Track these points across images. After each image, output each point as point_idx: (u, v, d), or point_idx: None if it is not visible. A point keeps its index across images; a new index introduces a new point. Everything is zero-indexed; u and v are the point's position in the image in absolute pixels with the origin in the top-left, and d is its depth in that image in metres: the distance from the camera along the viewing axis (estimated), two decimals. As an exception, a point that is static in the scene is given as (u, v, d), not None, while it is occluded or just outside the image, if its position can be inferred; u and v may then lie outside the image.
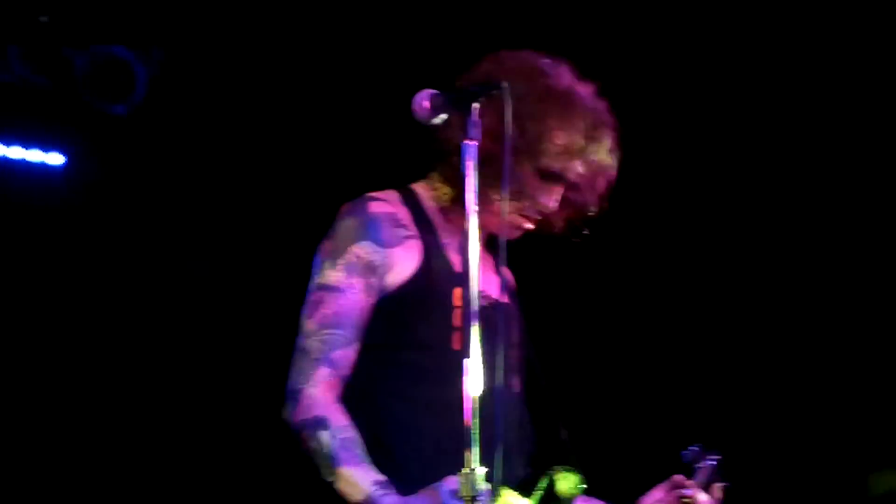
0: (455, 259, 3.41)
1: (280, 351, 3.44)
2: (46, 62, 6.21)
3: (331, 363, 3.25)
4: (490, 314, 3.29)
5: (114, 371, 6.73)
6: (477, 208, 2.94)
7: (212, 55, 6.34)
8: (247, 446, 6.60)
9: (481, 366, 2.86)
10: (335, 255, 3.34)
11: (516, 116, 3.11)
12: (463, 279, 2.92)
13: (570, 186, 3.45)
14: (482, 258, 3.16)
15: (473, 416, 2.82)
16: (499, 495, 2.94)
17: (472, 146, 2.96)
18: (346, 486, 3.14)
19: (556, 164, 3.39)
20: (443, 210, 3.48)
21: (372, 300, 3.32)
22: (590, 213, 3.53)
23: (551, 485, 3.29)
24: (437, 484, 3.09)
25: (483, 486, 2.81)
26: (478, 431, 2.82)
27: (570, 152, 3.39)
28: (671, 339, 6.58)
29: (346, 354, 3.28)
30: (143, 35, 6.23)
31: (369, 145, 6.30)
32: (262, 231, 6.66)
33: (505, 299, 3.44)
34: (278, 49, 6.29)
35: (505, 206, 3.11)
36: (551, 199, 3.44)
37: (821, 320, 6.46)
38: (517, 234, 3.47)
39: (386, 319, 3.32)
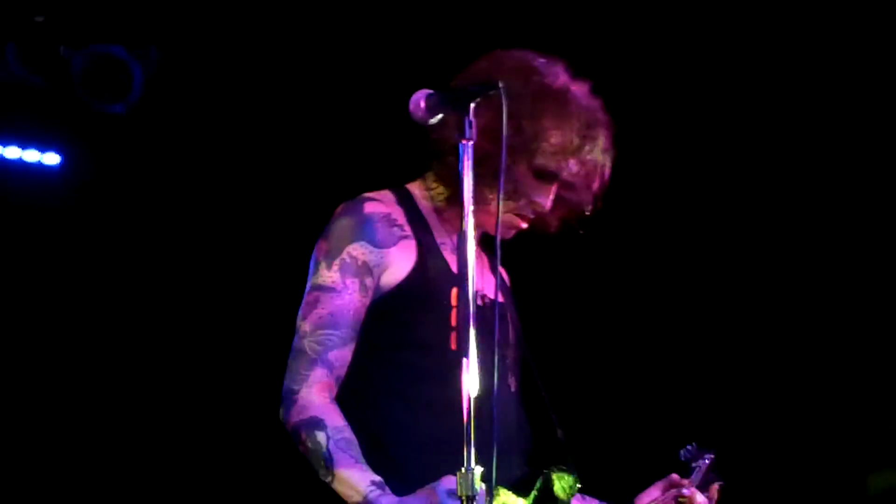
0: (451, 259, 3.41)
1: (277, 351, 3.44)
2: (43, 62, 6.20)
3: (327, 364, 3.26)
4: (486, 313, 3.30)
5: (110, 370, 6.73)
6: (473, 208, 2.94)
7: (208, 55, 6.34)
8: (244, 446, 6.60)
9: (478, 365, 2.86)
10: (330, 256, 3.34)
11: (511, 115, 3.11)
12: (459, 279, 2.92)
13: (565, 185, 3.45)
14: (478, 257, 3.16)
15: (470, 416, 2.82)
16: (496, 495, 2.95)
17: (468, 146, 2.96)
18: (342, 487, 3.15)
19: (551, 163, 3.39)
20: (438, 210, 3.48)
21: (367, 300, 3.32)
22: (585, 212, 3.53)
23: (548, 484, 3.29)
24: (435, 483, 3.09)
25: (480, 485, 2.81)
26: (474, 431, 2.82)
27: (565, 151, 3.39)
28: (667, 337, 6.57)
29: (342, 355, 3.28)
30: (139, 35, 6.23)
31: (365, 145, 6.30)
32: (259, 230, 6.66)
33: (501, 299, 3.44)
34: (275, 49, 6.29)
35: (500, 205, 3.11)
36: (546, 199, 3.44)
37: (816, 316, 6.46)
38: (512, 233, 3.48)
39: (382, 319, 3.32)
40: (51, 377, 6.69)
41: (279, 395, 3.26)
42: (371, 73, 6.21)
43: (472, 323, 2.87)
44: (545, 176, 3.41)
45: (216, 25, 6.23)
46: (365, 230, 3.35)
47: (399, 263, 3.35)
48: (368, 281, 3.32)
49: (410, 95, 3.05)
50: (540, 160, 3.38)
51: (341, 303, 3.29)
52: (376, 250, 3.34)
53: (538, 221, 3.50)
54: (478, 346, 2.87)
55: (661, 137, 6.19)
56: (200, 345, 6.73)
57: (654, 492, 3.57)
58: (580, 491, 3.37)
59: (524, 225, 3.48)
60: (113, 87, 6.20)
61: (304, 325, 3.30)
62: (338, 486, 3.15)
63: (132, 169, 6.64)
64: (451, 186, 3.41)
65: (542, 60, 3.46)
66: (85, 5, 6.17)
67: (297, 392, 3.23)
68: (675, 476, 3.57)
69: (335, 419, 3.19)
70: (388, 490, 3.13)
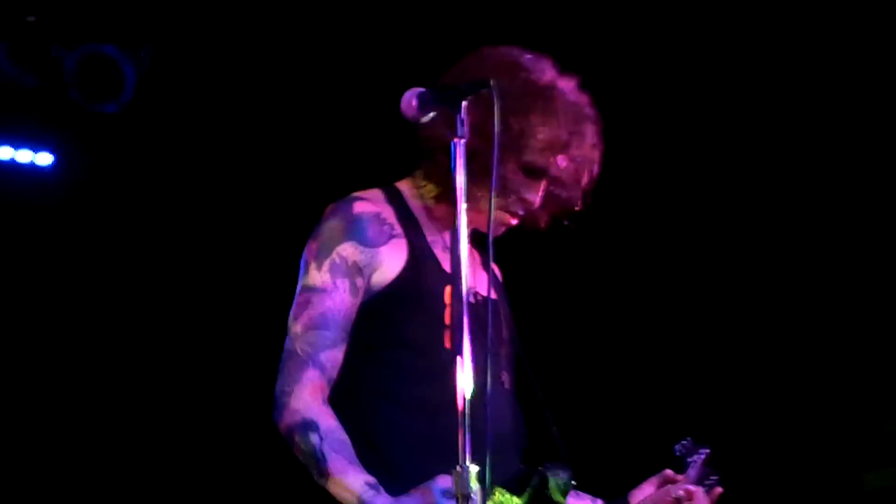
0: (442, 257, 3.40)
1: (270, 351, 3.44)
2: (35, 61, 6.20)
3: (318, 365, 3.25)
4: (479, 311, 3.30)
5: (106, 369, 6.73)
6: (466, 206, 2.94)
7: (201, 54, 6.34)
8: (239, 447, 6.60)
9: (472, 363, 2.86)
10: (320, 257, 3.32)
11: (499, 112, 3.10)
12: (452, 277, 2.91)
13: (554, 181, 3.44)
14: (469, 255, 3.16)
15: (465, 414, 2.82)
16: (491, 494, 2.94)
17: (460, 144, 2.96)
18: (337, 489, 3.14)
19: (539, 160, 3.39)
20: (428, 208, 3.47)
21: (358, 301, 3.31)
22: (574, 208, 3.53)
23: (543, 482, 3.29)
24: (429, 482, 3.09)
25: (475, 484, 2.81)
26: (469, 429, 2.82)
27: (553, 147, 3.38)
28: (661, 333, 6.58)
29: (334, 356, 3.27)
30: (132, 34, 6.23)
31: (356, 143, 6.30)
32: (251, 229, 6.66)
33: (494, 296, 3.44)
34: (267, 48, 6.29)
35: (492, 202, 3.11)
36: (535, 195, 3.43)
37: (811, 312, 6.47)
38: (502, 230, 3.47)
39: (374, 319, 3.32)
40: (47, 377, 6.69)
41: (272, 396, 3.25)
42: (360, 72, 6.21)
43: (465, 321, 2.87)
44: (534, 172, 3.40)
45: (208, 24, 6.23)
46: (355, 230, 3.34)
47: (390, 263, 3.34)
48: (359, 281, 3.31)
49: (399, 93, 3.04)
50: (528, 157, 3.37)
51: (332, 304, 3.28)
52: (366, 250, 3.33)
53: (528, 218, 3.49)
54: (471, 344, 2.87)
55: (650, 132, 6.20)
56: (194, 344, 6.73)
57: (648, 487, 3.56)
58: (575, 488, 3.37)
59: (514, 222, 3.47)
60: (105, 86, 6.20)
61: (296, 327, 3.29)
62: (332, 489, 3.14)
63: (125, 168, 6.63)
64: (441, 184, 3.39)
65: (529, 57, 3.46)
66: (77, 5, 6.17)
67: (289, 394, 3.22)
68: (669, 471, 3.56)
69: (328, 421, 3.18)
70: (382, 491, 3.12)
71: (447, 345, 3.24)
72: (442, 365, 3.03)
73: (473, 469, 2.80)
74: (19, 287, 6.64)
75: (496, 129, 3.01)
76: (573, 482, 3.33)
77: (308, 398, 3.21)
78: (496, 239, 3.34)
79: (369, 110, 5.86)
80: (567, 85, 3.45)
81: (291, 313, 3.32)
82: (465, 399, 2.83)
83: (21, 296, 6.64)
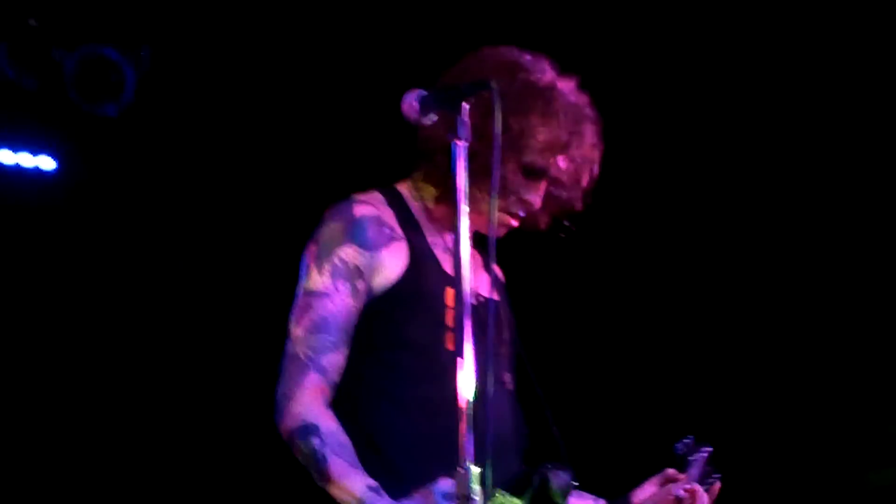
0: (443, 258, 3.40)
1: (271, 354, 3.44)
2: (35, 64, 6.20)
3: (320, 369, 3.24)
4: (481, 312, 3.30)
5: (107, 371, 6.73)
6: (467, 209, 2.94)
7: (201, 56, 6.34)
8: (244, 450, 6.60)
9: (474, 365, 2.86)
10: (321, 260, 3.32)
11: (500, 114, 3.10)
12: (454, 279, 2.91)
13: (554, 182, 3.45)
14: (471, 256, 3.16)
15: (466, 416, 2.82)
16: (492, 496, 2.94)
17: (461, 146, 2.96)
18: (339, 493, 3.14)
19: (539, 161, 3.39)
20: (427, 209, 3.47)
21: (359, 303, 3.31)
22: (575, 209, 3.53)
23: (543, 483, 3.29)
24: (431, 485, 3.09)
25: (477, 485, 2.81)
26: (470, 431, 2.82)
27: (552, 148, 3.38)
28: (662, 332, 6.59)
29: (335, 359, 3.27)
30: (132, 36, 6.23)
31: (356, 145, 6.31)
32: (252, 231, 6.66)
33: (495, 296, 3.45)
34: (267, 49, 6.29)
35: (494, 203, 3.11)
36: (536, 196, 3.43)
37: (811, 310, 6.47)
38: (502, 231, 3.46)
39: (375, 321, 3.31)
40: (49, 379, 6.69)
41: (273, 400, 3.25)
42: (359, 75, 6.21)
43: (467, 322, 2.87)
44: (534, 173, 3.40)
45: (208, 26, 6.23)
46: (355, 232, 3.33)
47: (391, 265, 3.33)
48: (360, 284, 3.31)
49: (398, 94, 3.04)
50: (528, 157, 3.37)
51: (333, 307, 3.27)
52: (367, 253, 3.32)
53: (529, 219, 3.49)
54: (472, 345, 2.87)
55: (650, 132, 6.20)
56: (195, 347, 6.73)
57: (649, 487, 3.56)
58: (576, 488, 3.37)
59: (514, 223, 3.47)
60: (106, 88, 6.20)
61: (297, 331, 3.29)
62: (333, 492, 3.14)
63: (126, 170, 6.63)
64: (440, 186, 3.40)
65: (528, 57, 3.46)
66: (77, 7, 6.17)
67: (290, 398, 3.22)
68: (670, 470, 3.56)
69: (329, 424, 3.18)
70: (383, 493, 3.12)
71: (448, 346, 3.23)
72: (443, 366, 3.03)
73: (475, 470, 2.80)
74: (22, 291, 6.64)
75: (497, 130, 3.01)
76: (574, 482, 3.34)
77: (309, 402, 3.20)
78: (498, 240, 3.34)
79: (368, 112, 5.88)
80: (566, 85, 3.45)
81: (292, 317, 3.32)
82: (466, 400, 2.83)
83: (24, 300, 6.64)
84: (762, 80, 6.17)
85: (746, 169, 6.40)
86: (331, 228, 3.36)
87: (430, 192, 3.47)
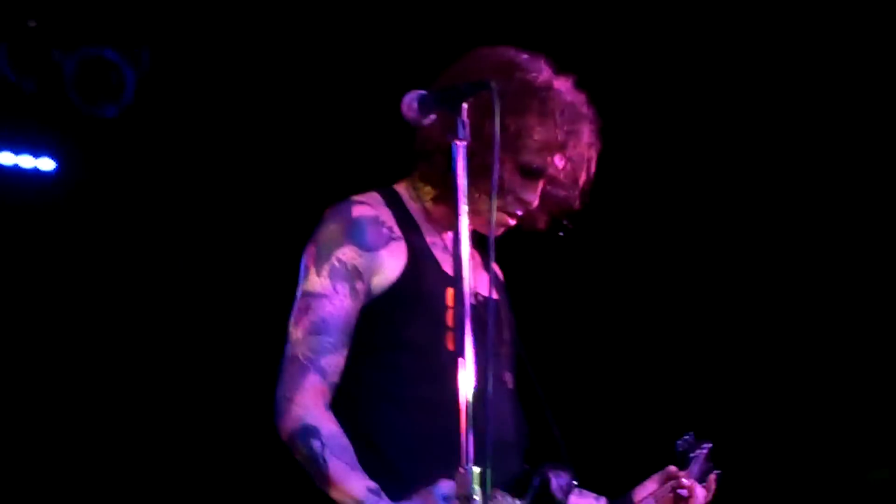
0: (442, 258, 3.40)
1: (271, 356, 3.44)
2: (35, 65, 6.20)
3: (320, 370, 3.25)
4: (480, 312, 3.30)
5: (107, 372, 6.73)
6: (467, 208, 2.94)
7: (201, 57, 6.34)
8: (244, 453, 6.60)
9: (474, 365, 2.86)
10: (320, 261, 3.32)
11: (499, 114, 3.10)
12: (453, 278, 2.91)
13: (551, 181, 3.45)
14: (470, 256, 3.16)
15: (467, 416, 2.82)
16: (493, 497, 2.94)
17: (461, 146, 2.96)
18: (339, 495, 3.14)
19: (536, 160, 3.38)
20: (426, 210, 3.47)
21: (358, 304, 3.31)
22: (572, 207, 3.53)
23: (544, 483, 3.30)
24: (431, 487, 3.09)
25: (478, 486, 2.81)
26: (470, 431, 2.82)
27: (549, 147, 3.38)
28: (662, 330, 6.59)
29: (335, 361, 3.27)
30: (131, 37, 6.23)
31: (355, 146, 6.31)
32: (252, 232, 6.66)
33: (495, 296, 3.45)
34: (267, 51, 6.30)
35: (493, 203, 3.11)
36: (533, 195, 3.43)
37: (811, 309, 6.47)
38: (501, 230, 3.46)
39: (375, 322, 3.31)
40: (50, 379, 6.69)
41: (273, 402, 3.25)
42: (358, 76, 6.22)
43: (467, 322, 2.87)
44: (531, 172, 3.40)
45: (208, 27, 6.24)
46: (353, 233, 3.33)
47: (390, 265, 3.33)
48: (359, 285, 3.31)
49: (396, 95, 3.03)
50: (525, 157, 3.37)
51: (332, 308, 3.27)
52: (366, 253, 3.32)
53: (526, 218, 3.49)
54: (473, 345, 2.87)
55: (647, 130, 6.20)
56: (195, 348, 6.73)
57: (651, 485, 3.56)
58: (577, 487, 3.38)
59: (512, 222, 3.47)
60: (105, 89, 6.20)
61: (296, 332, 3.29)
62: (334, 494, 3.15)
63: (126, 172, 6.64)
64: (438, 186, 3.40)
65: (524, 57, 3.45)
66: (77, 8, 6.17)
67: (290, 400, 3.22)
68: (672, 468, 3.56)
69: (329, 426, 3.19)
70: (384, 496, 3.13)
71: (448, 346, 3.24)
72: (443, 366, 3.03)
73: (476, 470, 2.81)
74: (21, 292, 6.64)
75: (496, 130, 3.01)
76: (575, 482, 3.34)
77: (309, 404, 3.21)
78: (497, 239, 3.35)
79: (367, 113, 5.88)
80: (563, 85, 3.45)
81: (292, 318, 3.32)
82: (467, 400, 2.83)
83: (23, 301, 6.64)
84: (761, 78, 6.17)
85: (745, 168, 6.40)
86: (329, 229, 3.36)
87: (428, 192, 3.47)
